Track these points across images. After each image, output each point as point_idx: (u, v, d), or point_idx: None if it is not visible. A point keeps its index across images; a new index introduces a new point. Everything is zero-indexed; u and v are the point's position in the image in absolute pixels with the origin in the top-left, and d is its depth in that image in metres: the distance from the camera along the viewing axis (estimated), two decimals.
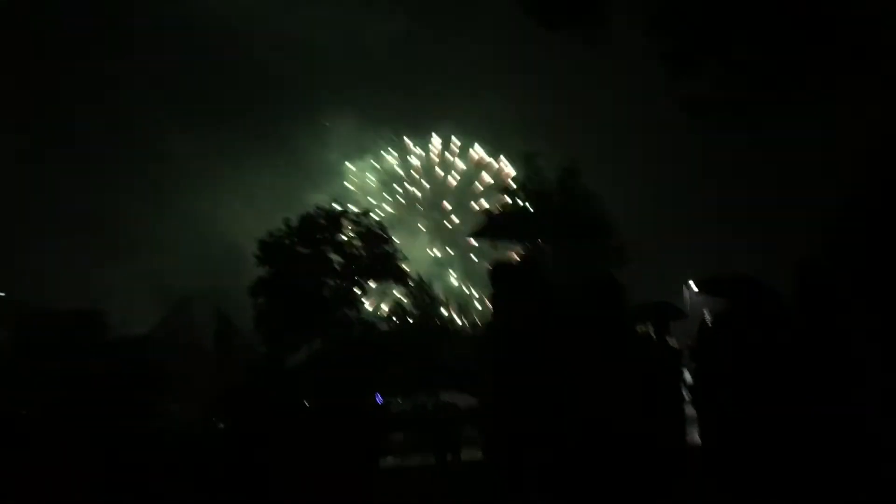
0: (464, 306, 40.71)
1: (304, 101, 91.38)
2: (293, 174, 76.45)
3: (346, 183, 72.83)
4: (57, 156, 70.94)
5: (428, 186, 73.91)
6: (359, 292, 33.57)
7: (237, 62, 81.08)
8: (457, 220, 70.28)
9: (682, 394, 8.10)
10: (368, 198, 68.90)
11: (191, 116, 79.82)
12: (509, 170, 55.64)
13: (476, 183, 69.67)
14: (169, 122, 76.72)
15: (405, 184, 74.23)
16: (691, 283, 32.84)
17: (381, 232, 34.29)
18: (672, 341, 8.77)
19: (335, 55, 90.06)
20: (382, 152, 74.73)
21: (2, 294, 57.88)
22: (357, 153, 75.57)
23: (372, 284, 34.24)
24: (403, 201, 73.72)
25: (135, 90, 77.79)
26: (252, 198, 71.57)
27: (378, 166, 74.90)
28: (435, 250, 69.46)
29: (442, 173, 73.05)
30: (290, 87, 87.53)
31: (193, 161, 74.52)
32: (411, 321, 36.21)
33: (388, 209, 67.31)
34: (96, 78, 73.26)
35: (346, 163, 75.54)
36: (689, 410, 8.27)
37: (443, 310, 38.84)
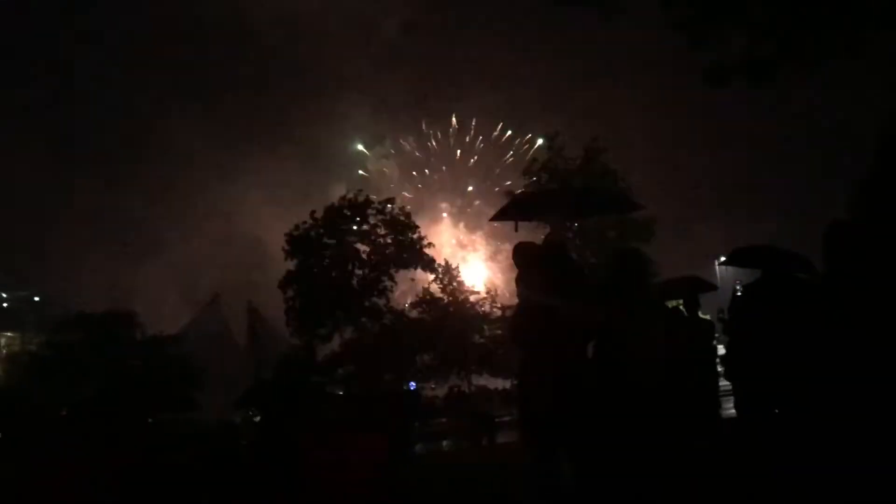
0: (491, 289, 40.62)
1: (318, 90, 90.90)
2: (311, 165, 76.59)
3: (362, 172, 72.80)
4: (74, 157, 71.32)
5: (446, 171, 73.76)
6: (387, 281, 33.65)
7: (249, 54, 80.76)
8: (478, 203, 70.01)
9: (715, 365, 8.04)
10: (391, 185, 68.97)
11: (206, 112, 79.67)
12: (531, 149, 54.99)
13: (497, 167, 69.32)
14: (183, 117, 76.49)
15: (425, 170, 74.10)
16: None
17: (406, 220, 34.32)
18: (703, 314, 8.70)
19: (350, 42, 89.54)
20: (401, 140, 74.62)
21: (37, 298, 58.89)
22: (375, 140, 75.46)
23: (400, 272, 34.27)
24: (421, 186, 73.49)
25: (149, 85, 77.68)
26: (272, 191, 71.66)
27: (393, 152, 74.75)
28: (459, 235, 69.34)
29: (461, 156, 72.88)
30: (305, 74, 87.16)
31: (209, 156, 74.57)
32: (440, 307, 36.26)
33: (409, 195, 66.97)
34: (109, 72, 73.33)
35: (364, 149, 75.39)
36: (722, 382, 8.20)
37: (470, 294, 38.77)
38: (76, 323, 37.51)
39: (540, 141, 37.90)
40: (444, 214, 71.01)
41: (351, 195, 33.85)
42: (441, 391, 36.58)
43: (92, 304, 40.15)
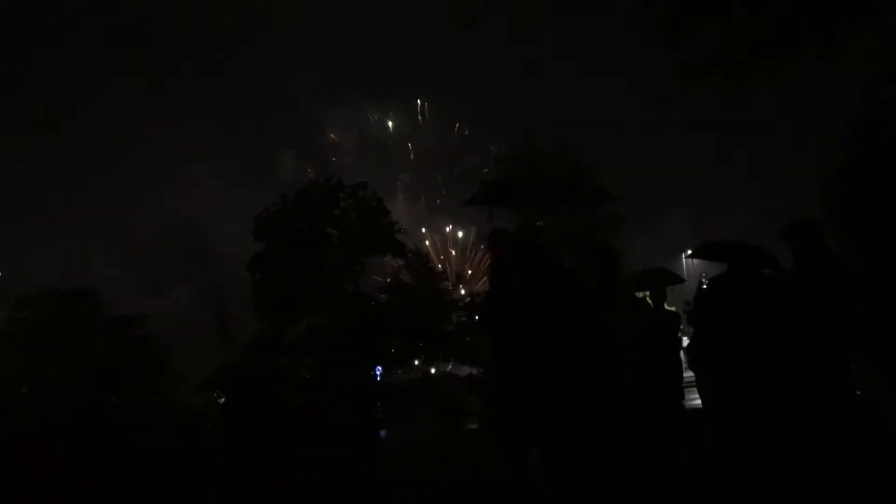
0: (462, 277, 40.69)
1: (270, 64, 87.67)
2: (267, 142, 74.66)
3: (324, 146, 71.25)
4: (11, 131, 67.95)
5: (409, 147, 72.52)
6: (357, 266, 33.50)
7: (193, 23, 77.29)
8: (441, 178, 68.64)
9: (679, 357, 8.16)
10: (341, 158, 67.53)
11: (150, 90, 76.42)
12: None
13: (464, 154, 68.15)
14: (127, 97, 73.30)
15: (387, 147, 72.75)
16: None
17: (377, 205, 34.17)
18: (670, 306, 8.81)
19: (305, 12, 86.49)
20: (359, 114, 73.15)
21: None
22: (334, 117, 73.90)
23: (370, 258, 34.15)
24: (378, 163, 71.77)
25: (89, 63, 74.31)
26: (221, 166, 69.80)
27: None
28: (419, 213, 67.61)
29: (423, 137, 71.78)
30: (256, 48, 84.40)
31: (156, 132, 72.08)
32: (410, 293, 36.23)
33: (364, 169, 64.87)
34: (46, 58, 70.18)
35: (324, 127, 73.62)
36: (687, 373, 8.32)
37: (441, 281, 38.79)
38: (38, 301, 36.93)
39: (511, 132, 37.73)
40: (400, 185, 68.95)
41: (322, 178, 33.63)
42: (408, 377, 36.61)
43: (53, 283, 39.42)
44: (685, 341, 9.14)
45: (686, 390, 8.55)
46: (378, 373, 31.48)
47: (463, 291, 37.94)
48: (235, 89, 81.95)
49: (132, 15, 75.10)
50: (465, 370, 37.91)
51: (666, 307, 8.60)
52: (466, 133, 69.37)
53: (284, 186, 35.06)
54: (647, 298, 8.54)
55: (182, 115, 74.34)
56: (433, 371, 36.08)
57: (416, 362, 36.38)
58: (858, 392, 4.83)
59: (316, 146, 71.96)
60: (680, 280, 10.26)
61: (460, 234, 59.80)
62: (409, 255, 36.18)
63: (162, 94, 74.93)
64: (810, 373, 4.84)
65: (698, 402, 6.99)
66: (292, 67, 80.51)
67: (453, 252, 60.40)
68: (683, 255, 38.04)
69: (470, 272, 52.50)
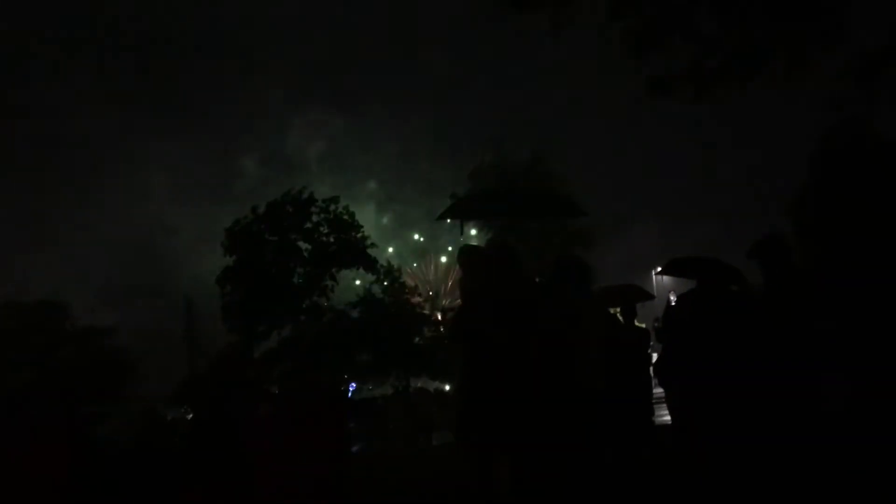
0: (434, 291, 40.70)
1: (225, 72, 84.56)
2: (222, 147, 72.78)
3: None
4: None
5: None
6: (328, 280, 33.41)
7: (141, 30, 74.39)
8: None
9: (648, 373, 8.25)
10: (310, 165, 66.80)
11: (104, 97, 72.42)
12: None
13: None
14: (79, 105, 70.50)
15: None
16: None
17: (349, 219, 34.14)
18: (640, 323, 8.91)
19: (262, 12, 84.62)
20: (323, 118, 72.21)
21: None
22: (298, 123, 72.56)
23: (341, 272, 34.07)
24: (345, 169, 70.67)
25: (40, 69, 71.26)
26: (179, 176, 68.18)
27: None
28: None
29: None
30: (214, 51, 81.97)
31: (109, 139, 69.26)
32: (381, 308, 36.15)
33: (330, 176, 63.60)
34: None
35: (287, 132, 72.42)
36: (657, 389, 8.40)
37: (413, 296, 38.78)
38: (4, 310, 36.38)
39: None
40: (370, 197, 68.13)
41: (294, 191, 33.55)
42: (379, 391, 36.49)
43: (18, 294, 38.73)
44: (654, 357, 9.26)
45: (655, 406, 8.65)
46: (351, 389, 31.37)
47: (437, 306, 37.95)
48: (194, 98, 79.74)
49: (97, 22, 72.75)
50: (435, 386, 37.91)
51: (636, 323, 8.70)
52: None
53: (247, 194, 34.81)
54: (618, 314, 8.62)
55: (142, 124, 72.60)
56: (404, 386, 35.98)
57: (388, 377, 36.29)
58: (826, 407, 4.91)
59: (278, 154, 71.07)
60: (650, 297, 10.37)
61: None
62: (381, 269, 36.14)
63: (119, 100, 72.13)
64: (778, 388, 4.92)
65: (667, 417, 7.06)
66: (256, 73, 78.94)
67: (425, 267, 60.32)
68: (653, 272, 38.40)
69: (442, 288, 52.51)
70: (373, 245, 34.73)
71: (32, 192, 61.26)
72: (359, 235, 34.04)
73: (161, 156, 69.42)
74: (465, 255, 5.41)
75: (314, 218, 33.40)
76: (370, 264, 34.44)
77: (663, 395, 7.29)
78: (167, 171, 67.80)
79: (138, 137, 68.22)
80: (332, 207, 33.79)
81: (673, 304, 7.53)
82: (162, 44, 73.46)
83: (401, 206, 63.88)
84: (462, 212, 6.08)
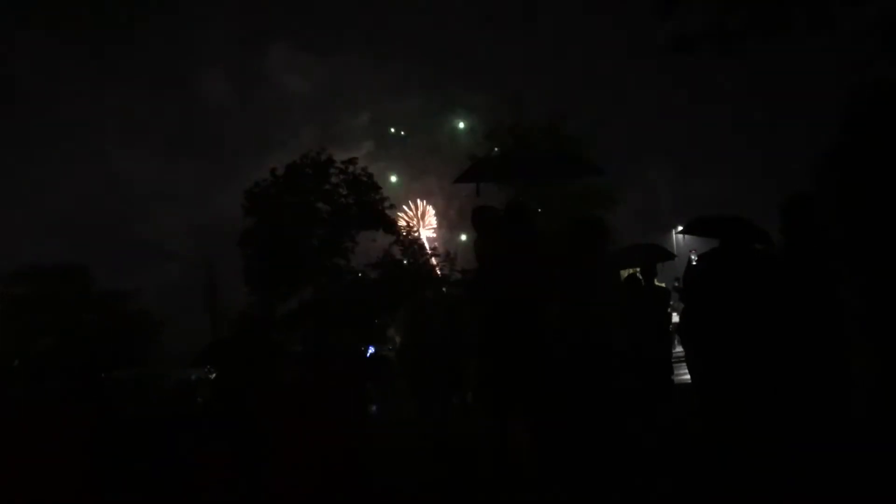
0: (452, 252, 40.56)
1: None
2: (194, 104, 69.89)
3: None
4: None
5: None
6: (347, 241, 33.46)
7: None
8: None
9: (669, 332, 8.19)
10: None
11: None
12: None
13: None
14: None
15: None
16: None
17: (368, 180, 34.07)
18: (660, 282, 8.84)
19: None
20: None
21: None
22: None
23: (360, 233, 34.10)
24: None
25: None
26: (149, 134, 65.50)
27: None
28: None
29: None
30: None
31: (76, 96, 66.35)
32: (400, 269, 36.21)
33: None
34: None
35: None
36: (677, 348, 8.34)
37: (431, 257, 38.76)
38: (27, 275, 36.77)
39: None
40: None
41: (313, 153, 33.49)
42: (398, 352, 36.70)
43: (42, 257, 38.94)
44: (675, 317, 9.19)
45: (675, 366, 8.61)
46: (370, 351, 31.51)
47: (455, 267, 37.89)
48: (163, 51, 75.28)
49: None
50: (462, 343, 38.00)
51: (656, 283, 8.62)
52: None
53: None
54: (638, 274, 8.56)
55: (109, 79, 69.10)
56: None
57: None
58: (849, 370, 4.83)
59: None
60: (670, 256, 10.28)
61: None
62: (401, 230, 36.16)
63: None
64: (801, 349, 4.84)
65: (687, 377, 7.01)
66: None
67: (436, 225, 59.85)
68: (674, 231, 38.14)
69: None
70: (391, 206, 34.71)
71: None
72: (377, 197, 34.02)
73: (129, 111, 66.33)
74: (479, 215, 5.32)
75: (332, 179, 33.39)
76: (389, 226, 34.47)
77: (683, 354, 7.24)
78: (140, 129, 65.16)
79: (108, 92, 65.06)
80: (350, 168, 33.73)
81: (694, 263, 7.43)
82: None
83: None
84: (480, 174, 5.98)
